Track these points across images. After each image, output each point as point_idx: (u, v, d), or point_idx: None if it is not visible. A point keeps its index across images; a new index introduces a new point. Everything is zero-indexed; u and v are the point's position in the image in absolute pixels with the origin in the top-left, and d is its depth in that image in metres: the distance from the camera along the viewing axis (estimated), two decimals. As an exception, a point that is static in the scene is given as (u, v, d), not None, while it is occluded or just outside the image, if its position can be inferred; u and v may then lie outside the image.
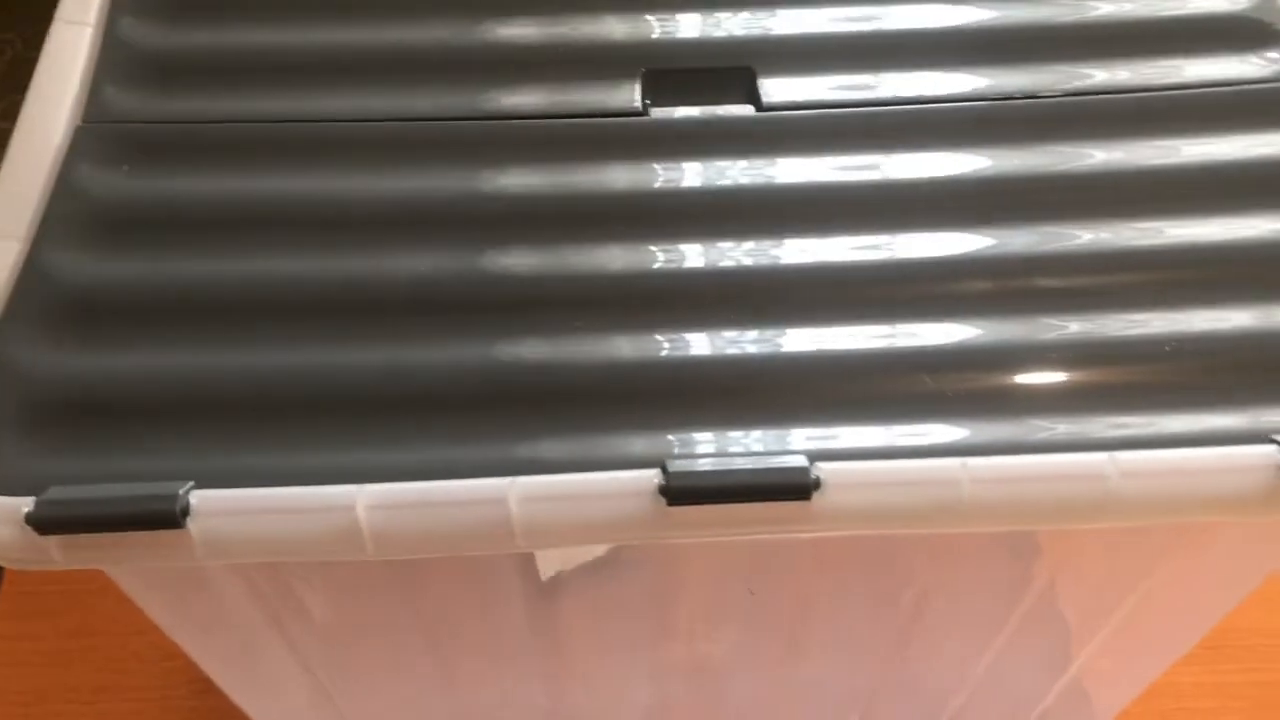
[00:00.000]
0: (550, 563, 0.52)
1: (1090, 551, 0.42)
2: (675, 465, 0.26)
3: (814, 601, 0.36)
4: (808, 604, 0.36)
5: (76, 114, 0.32)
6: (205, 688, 0.47)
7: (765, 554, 0.32)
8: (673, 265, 0.29)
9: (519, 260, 0.29)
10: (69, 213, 0.30)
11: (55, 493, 0.25)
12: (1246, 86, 0.32)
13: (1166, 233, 0.30)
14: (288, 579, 0.39)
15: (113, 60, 0.33)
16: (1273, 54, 0.33)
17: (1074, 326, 0.28)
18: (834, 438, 0.27)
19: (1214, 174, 0.31)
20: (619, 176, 0.31)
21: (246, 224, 0.30)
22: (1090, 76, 0.33)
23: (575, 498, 0.26)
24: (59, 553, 0.25)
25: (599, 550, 0.52)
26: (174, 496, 0.25)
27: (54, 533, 0.25)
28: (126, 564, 0.27)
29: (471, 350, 0.28)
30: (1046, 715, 0.47)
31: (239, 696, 0.40)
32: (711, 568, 0.34)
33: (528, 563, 0.50)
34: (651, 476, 0.26)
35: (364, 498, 0.25)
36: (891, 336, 0.28)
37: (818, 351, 0.28)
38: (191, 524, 0.25)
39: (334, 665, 0.43)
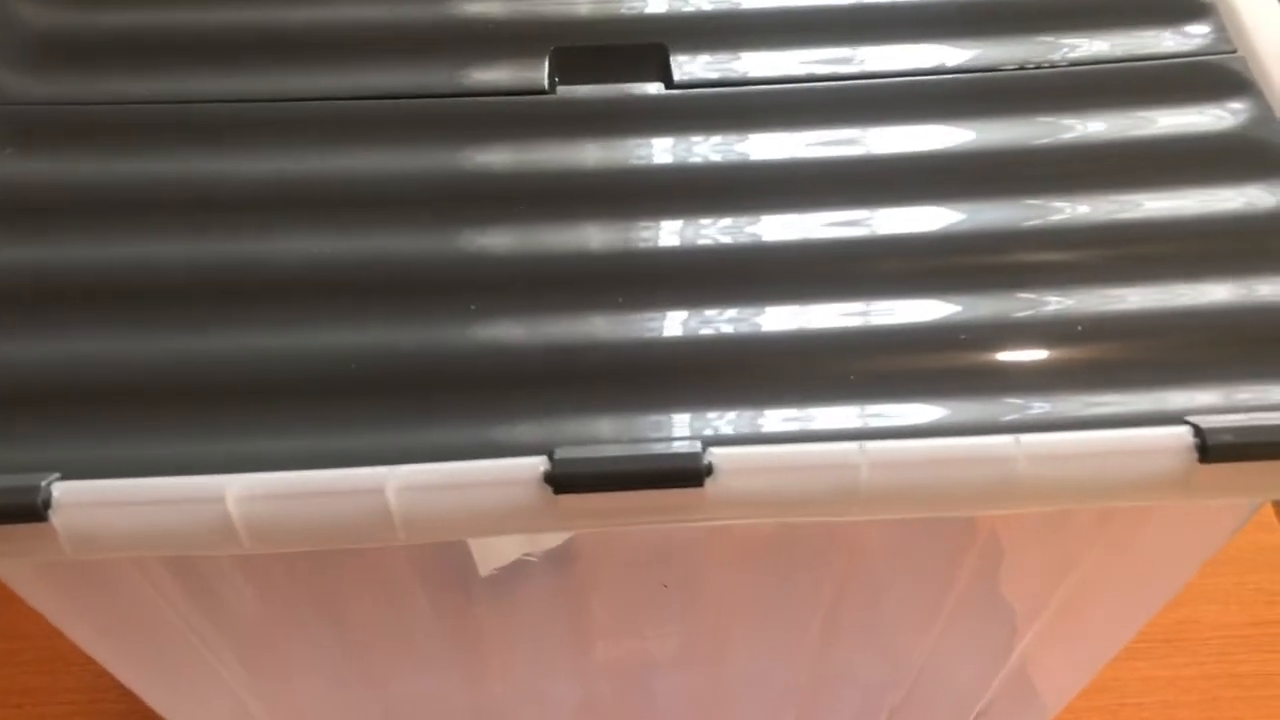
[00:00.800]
0: (489, 559, 0.51)
1: (1021, 537, 0.41)
2: (562, 452, 0.25)
3: (733, 595, 0.35)
4: (727, 598, 0.35)
5: (-39, 95, 0.31)
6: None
7: (676, 548, 0.31)
8: (568, 246, 0.28)
9: (406, 243, 0.28)
10: (-52, 196, 0.29)
11: (-91, 486, 0.24)
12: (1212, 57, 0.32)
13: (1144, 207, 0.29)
14: (201, 580, 0.39)
15: (2, 39, 0.32)
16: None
17: (994, 305, 0.27)
18: (733, 423, 0.26)
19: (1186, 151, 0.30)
20: (517, 156, 0.30)
21: (128, 208, 0.29)
22: (1055, 50, 0.32)
23: (457, 486, 0.25)
24: (-84, 549, 0.24)
25: (518, 552, 0.51)
26: (35, 489, 0.24)
27: (-92, 528, 0.24)
28: (-7, 559, 0.26)
29: (354, 336, 0.27)
30: (990, 709, 0.46)
31: (154, 700, 0.39)
32: (624, 563, 0.33)
33: (449, 561, 0.49)
34: (537, 464, 0.25)
35: (234, 489, 0.24)
36: (800, 316, 0.27)
37: (717, 335, 0.27)
38: (55, 517, 0.24)
39: (252, 667, 0.42)
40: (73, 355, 0.27)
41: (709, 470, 0.25)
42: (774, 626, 0.42)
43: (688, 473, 0.25)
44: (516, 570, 0.51)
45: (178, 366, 0.26)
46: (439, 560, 0.51)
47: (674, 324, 0.27)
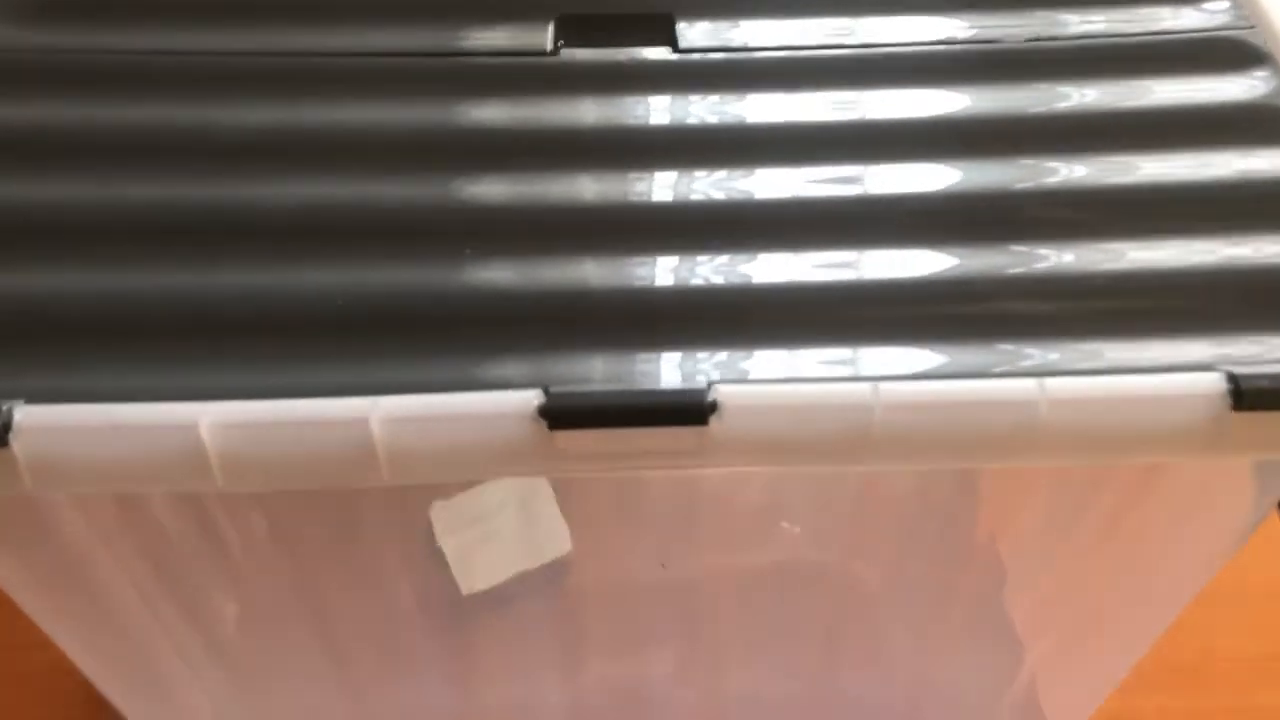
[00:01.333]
0: (473, 576, 0.50)
1: (1022, 551, 0.39)
2: (559, 386, 0.23)
3: (731, 618, 0.33)
4: (725, 619, 0.33)
5: (-57, 40, 0.30)
6: (97, 705, 0.44)
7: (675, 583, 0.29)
8: (566, 196, 0.27)
9: (401, 189, 0.27)
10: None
11: None
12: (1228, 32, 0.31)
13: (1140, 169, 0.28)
14: (181, 580, 0.37)
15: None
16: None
17: (1013, 254, 0.26)
18: (738, 369, 0.24)
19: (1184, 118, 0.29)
20: (517, 112, 0.29)
21: (111, 151, 0.28)
22: (1066, 24, 0.31)
23: (446, 419, 0.23)
24: None
25: (510, 570, 0.49)
26: (-4, 411, 0.23)
27: None
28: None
29: (343, 276, 0.26)
30: (1000, 735, 0.44)
31: (130, 711, 0.37)
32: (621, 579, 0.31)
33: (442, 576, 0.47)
34: (531, 398, 0.23)
35: (209, 415, 0.23)
36: (808, 263, 0.26)
37: (724, 281, 0.26)
38: (15, 442, 0.23)
39: (229, 674, 0.40)
40: (45, 287, 0.25)
41: (714, 408, 0.23)
42: (772, 647, 0.41)
43: (692, 409, 0.23)
44: (510, 588, 0.49)
45: (156, 301, 0.25)
46: (432, 575, 0.49)
47: (675, 270, 0.26)
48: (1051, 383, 0.24)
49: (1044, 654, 0.43)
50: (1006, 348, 0.25)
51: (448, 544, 0.50)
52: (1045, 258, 0.26)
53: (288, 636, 0.45)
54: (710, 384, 0.23)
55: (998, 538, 0.48)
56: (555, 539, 0.51)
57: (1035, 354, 0.24)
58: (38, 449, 0.23)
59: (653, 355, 0.24)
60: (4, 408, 0.23)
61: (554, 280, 0.26)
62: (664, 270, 0.26)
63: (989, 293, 0.26)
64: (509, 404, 0.23)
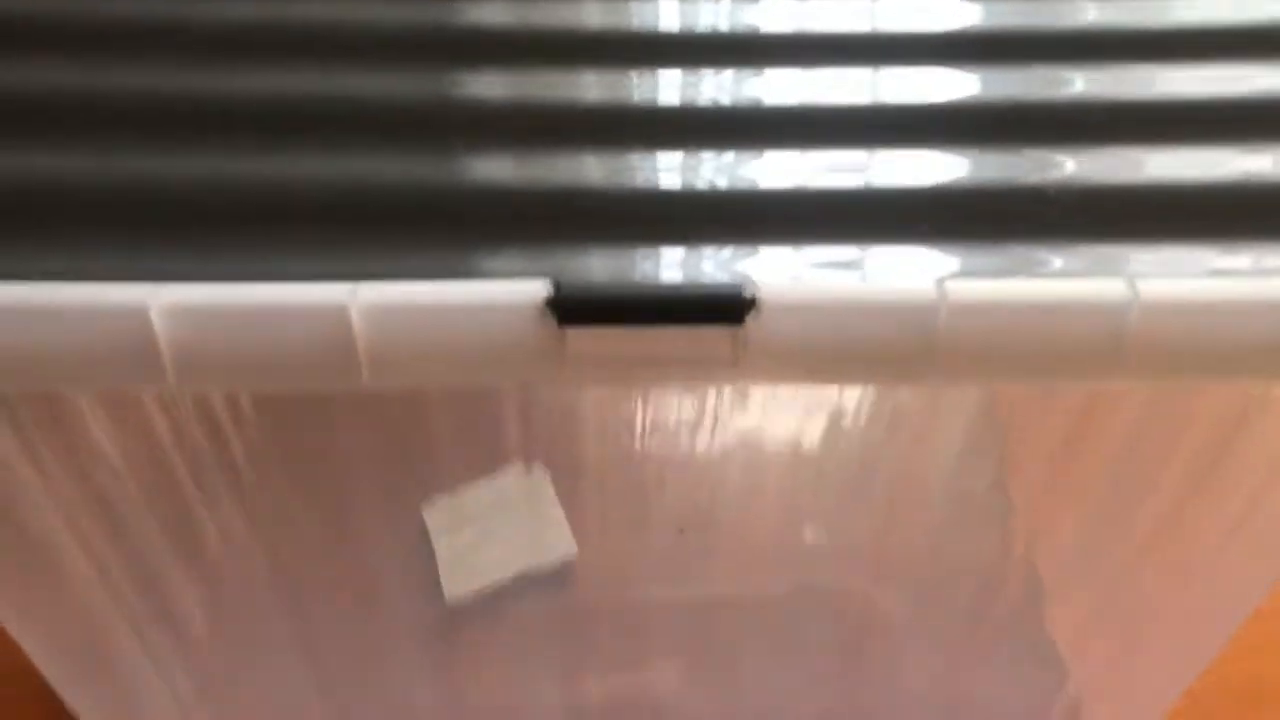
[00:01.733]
0: (456, 583, 0.46)
1: (1060, 569, 0.36)
2: (570, 276, 0.20)
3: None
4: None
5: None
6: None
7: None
8: (567, 91, 0.24)
9: (393, 81, 0.24)
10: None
11: None
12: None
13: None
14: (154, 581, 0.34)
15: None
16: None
17: (1070, 161, 0.23)
18: (776, 268, 0.21)
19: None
20: (515, 12, 0.26)
21: (86, 40, 0.25)
22: None
23: (438, 310, 0.20)
24: None
25: (506, 573, 0.46)
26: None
27: None
28: None
29: (331, 165, 0.22)
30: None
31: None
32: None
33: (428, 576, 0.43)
34: (539, 288, 0.20)
35: (161, 297, 0.19)
36: (834, 170, 0.23)
37: (747, 181, 0.22)
38: (-65, 324, 0.19)
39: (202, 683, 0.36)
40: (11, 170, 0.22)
41: (752, 304, 0.20)
42: (793, 669, 0.37)
43: (726, 304, 0.20)
44: (504, 595, 0.46)
45: (122, 184, 0.22)
46: (419, 576, 0.46)
47: (685, 168, 0.23)
48: (1146, 284, 0.20)
49: (1088, 676, 0.40)
50: (1036, 253, 0.21)
51: (440, 544, 0.47)
52: (1063, 163, 0.23)
53: (264, 640, 0.41)
54: (747, 280, 0.20)
55: (1036, 550, 0.45)
56: (558, 541, 0.48)
57: (1059, 260, 0.21)
58: (-40, 333, 0.19)
59: (672, 251, 0.21)
60: (-77, 284, 0.19)
61: (558, 176, 0.22)
62: (673, 168, 0.23)
63: (1010, 197, 0.22)
64: (513, 295, 0.20)
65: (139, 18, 0.25)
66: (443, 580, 0.46)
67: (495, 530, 0.47)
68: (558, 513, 0.48)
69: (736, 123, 0.23)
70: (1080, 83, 0.25)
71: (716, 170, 0.22)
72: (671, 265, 0.21)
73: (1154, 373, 0.21)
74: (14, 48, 0.25)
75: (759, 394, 0.47)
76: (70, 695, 0.33)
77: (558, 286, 0.20)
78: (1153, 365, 0.20)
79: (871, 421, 0.48)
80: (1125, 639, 0.39)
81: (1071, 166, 0.23)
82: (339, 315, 0.20)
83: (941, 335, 0.20)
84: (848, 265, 0.21)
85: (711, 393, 0.49)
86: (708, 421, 0.48)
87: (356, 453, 0.39)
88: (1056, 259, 0.21)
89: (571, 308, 0.20)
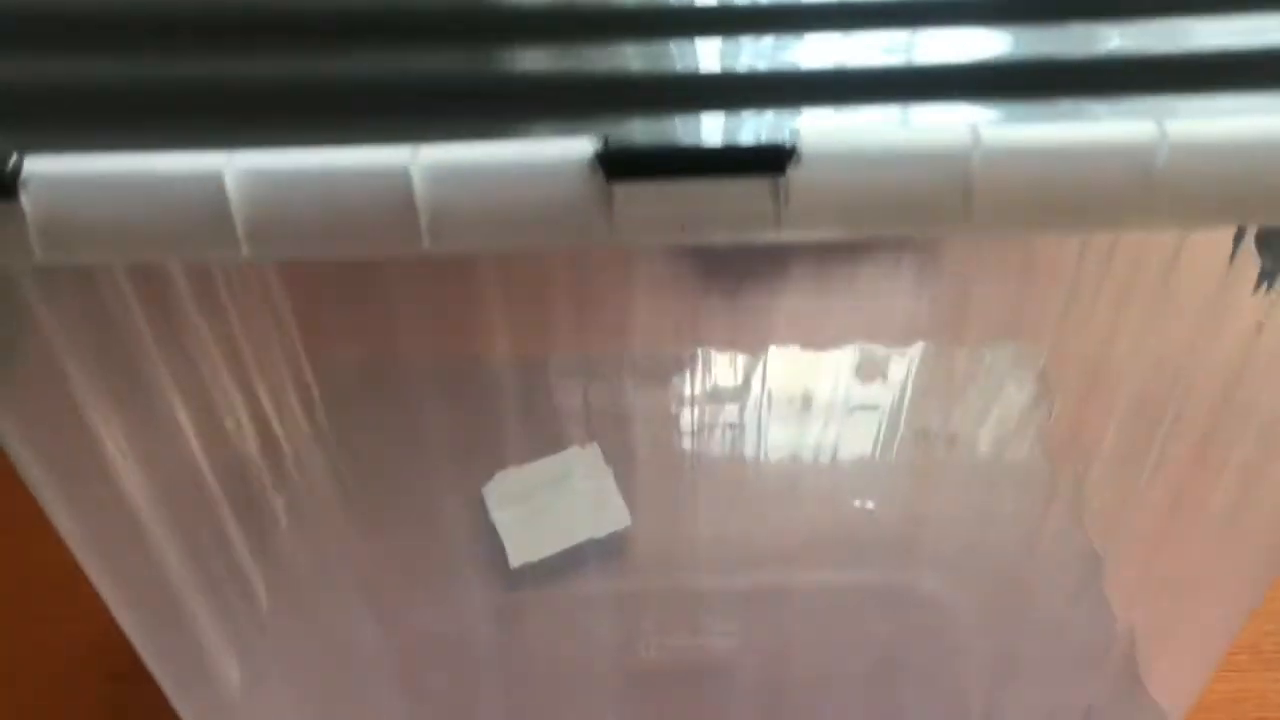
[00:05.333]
0: (517, 554, 0.47)
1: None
2: (617, 134, 0.21)
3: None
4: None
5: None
6: (120, 673, 0.41)
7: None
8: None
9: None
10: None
11: None
12: None
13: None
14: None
15: None
16: None
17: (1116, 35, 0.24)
18: (818, 116, 0.22)
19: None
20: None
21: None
22: None
23: (491, 169, 0.21)
24: None
25: (563, 545, 0.46)
26: (4, 160, 0.21)
27: None
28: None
29: (381, 58, 0.24)
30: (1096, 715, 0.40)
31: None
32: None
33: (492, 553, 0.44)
34: (588, 144, 0.21)
35: (236, 164, 0.21)
36: (906, 47, 0.24)
37: (802, 61, 0.23)
38: (25, 194, 0.21)
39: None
40: (67, 60, 0.24)
41: (793, 153, 0.21)
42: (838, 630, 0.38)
43: (769, 153, 0.21)
44: (562, 563, 0.46)
45: (185, 74, 0.23)
46: (480, 548, 0.46)
47: (724, 52, 0.24)
48: (1176, 125, 0.21)
49: (1139, 624, 0.39)
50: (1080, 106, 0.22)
51: (499, 518, 0.48)
52: (1109, 36, 0.24)
53: (330, 610, 0.42)
54: (790, 129, 0.21)
55: (1085, 515, 0.45)
56: (614, 514, 0.48)
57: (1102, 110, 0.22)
58: (49, 203, 0.21)
59: (714, 116, 0.22)
60: (14, 157, 0.21)
61: (601, 63, 0.23)
62: (712, 52, 0.24)
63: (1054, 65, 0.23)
64: (563, 152, 0.21)
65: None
66: (508, 551, 0.46)
67: (552, 504, 0.48)
68: (611, 485, 0.49)
69: (776, 12, 0.24)
70: None
71: (756, 53, 0.23)
72: (714, 129, 0.22)
73: (1186, 216, 0.21)
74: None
75: (806, 361, 0.48)
76: (144, 648, 0.34)
77: (605, 143, 0.21)
78: (1184, 208, 0.21)
79: (918, 387, 0.48)
80: (1177, 591, 0.39)
81: (1117, 40, 0.23)
82: (400, 178, 0.21)
83: (977, 179, 0.21)
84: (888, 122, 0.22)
85: (759, 365, 0.49)
86: (754, 393, 0.49)
87: (426, 430, 0.40)
88: (1100, 109, 0.22)
89: (618, 162, 0.21)
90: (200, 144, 0.22)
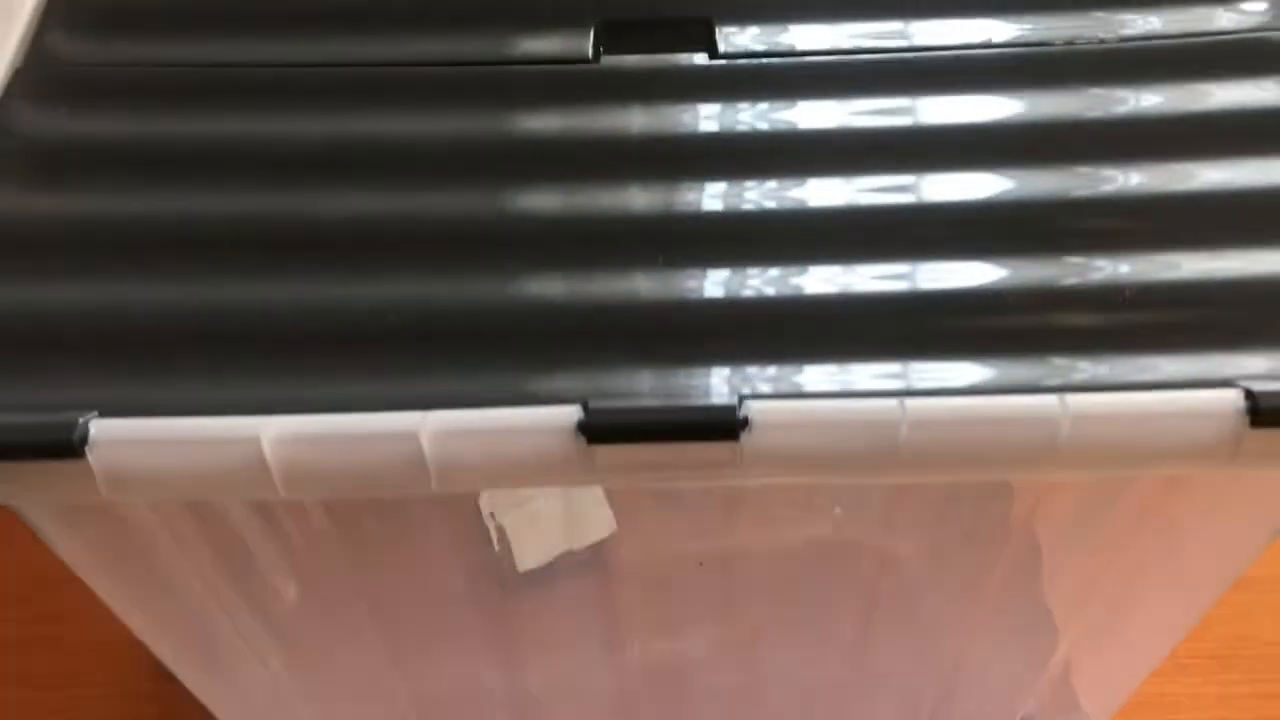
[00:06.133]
0: (528, 555, 0.51)
1: (1058, 535, 0.40)
2: (596, 402, 0.24)
3: (766, 597, 0.34)
4: (760, 599, 0.34)
5: (18, 56, 0.31)
6: (166, 674, 0.46)
7: (711, 556, 0.31)
8: (609, 207, 0.28)
9: (448, 200, 0.28)
10: (3, 151, 0.29)
11: (-46, 420, 0.24)
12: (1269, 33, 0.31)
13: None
14: (240, 565, 0.39)
15: (60, 2, 0.32)
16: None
17: (1043, 270, 0.27)
18: (771, 380, 0.25)
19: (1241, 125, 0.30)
20: (560, 122, 0.30)
21: (173, 164, 0.29)
22: (1107, 26, 0.32)
23: (491, 433, 0.24)
24: (-43, 482, 0.25)
25: (553, 553, 0.50)
26: (73, 424, 0.24)
27: (-50, 459, 0.24)
28: (28, 497, 0.26)
29: (393, 289, 0.27)
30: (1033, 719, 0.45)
31: (195, 685, 0.39)
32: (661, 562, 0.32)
33: (487, 556, 0.49)
34: (571, 413, 0.24)
35: (270, 430, 0.24)
36: (843, 277, 0.27)
37: (758, 293, 0.27)
38: (91, 454, 0.24)
39: (289, 655, 0.42)
40: (112, 301, 0.27)
41: (745, 423, 0.24)
42: (808, 627, 0.42)
43: (723, 425, 0.24)
44: (555, 566, 0.51)
45: (218, 314, 0.27)
46: (477, 554, 0.51)
47: (715, 282, 0.27)
48: (1073, 398, 0.24)
49: (1079, 639, 0.44)
50: (1033, 363, 0.25)
51: (497, 526, 0.52)
52: (1078, 268, 0.27)
53: (342, 617, 0.47)
54: (742, 399, 0.24)
55: (1034, 520, 0.49)
56: (599, 521, 0.52)
57: (1081, 367, 0.25)
58: (112, 460, 0.24)
59: (691, 367, 0.25)
60: (80, 421, 0.24)
61: (597, 292, 0.27)
62: (708, 281, 0.27)
63: (1017, 305, 0.26)
64: (550, 419, 0.24)
65: (205, 143, 0.30)
66: (514, 555, 0.51)
67: (542, 513, 0.52)
68: (598, 494, 0.53)
69: (764, 234, 0.28)
70: (1118, 181, 0.28)
71: (751, 282, 0.27)
72: (691, 378, 0.25)
73: (1090, 469, 0.25)
74: (94, 178, 0.29)
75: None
76: (179, 671, 0.39)
77: (586, 412, 0.24)
78: (1088, 464, 0.25)
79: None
80: (1114, 607, 0.43)
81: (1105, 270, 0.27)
82: (411, 440, 0.24)
83: (903, 445, 0.24)
84: (879, 377, 0.25)
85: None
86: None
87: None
88: (1083, 366, 0.25)
89: (597, 430, 0.24)
90: (238, 382, 0.25)
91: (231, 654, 0.42)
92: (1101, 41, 0.31)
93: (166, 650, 0.38)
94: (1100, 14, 0.32)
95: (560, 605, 0.51)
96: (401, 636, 0.46)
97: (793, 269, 0.27)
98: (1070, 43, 0.31)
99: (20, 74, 0.31)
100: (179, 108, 0.30)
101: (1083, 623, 0.42)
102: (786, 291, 0.27)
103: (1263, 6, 0.32)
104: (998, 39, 0.31)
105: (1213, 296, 0.27)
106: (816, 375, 0.25)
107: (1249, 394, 0.24)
